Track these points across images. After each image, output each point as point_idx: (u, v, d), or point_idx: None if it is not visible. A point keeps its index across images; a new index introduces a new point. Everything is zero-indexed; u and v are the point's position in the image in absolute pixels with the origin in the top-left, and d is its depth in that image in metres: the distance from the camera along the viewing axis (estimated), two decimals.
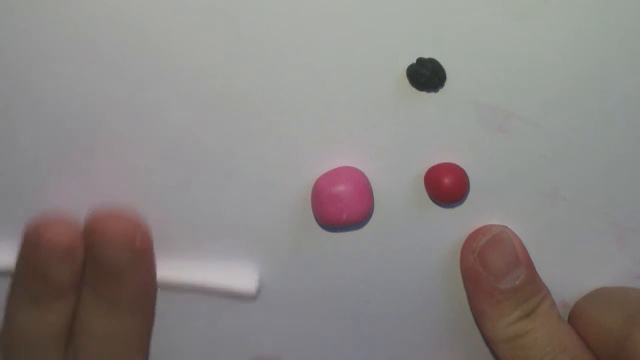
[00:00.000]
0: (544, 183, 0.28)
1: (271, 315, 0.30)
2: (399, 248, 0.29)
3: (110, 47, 0.27)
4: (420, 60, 0.27)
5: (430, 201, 0.28)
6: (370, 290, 0.29)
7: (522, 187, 0.28)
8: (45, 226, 0.26)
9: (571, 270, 0.29)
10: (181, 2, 0.27)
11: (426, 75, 0.27)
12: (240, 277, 0.29)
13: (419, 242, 0.29)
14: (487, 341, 0.28)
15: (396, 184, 0.28)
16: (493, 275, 0.27)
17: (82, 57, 0.27)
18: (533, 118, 0.27)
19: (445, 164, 0.28)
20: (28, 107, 0.28)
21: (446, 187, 0.27)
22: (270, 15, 0.27)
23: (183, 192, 0.29)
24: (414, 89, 0.27)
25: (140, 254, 0.27)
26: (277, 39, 0.27)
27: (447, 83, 0.27)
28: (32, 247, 0.26)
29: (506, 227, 0.28)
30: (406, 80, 0.27)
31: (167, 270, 0.29)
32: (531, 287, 0.27)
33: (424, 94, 0.27)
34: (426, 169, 0.28)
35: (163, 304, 0.29)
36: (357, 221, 0.28)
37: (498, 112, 0.27)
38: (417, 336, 0.30)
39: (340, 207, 0.27)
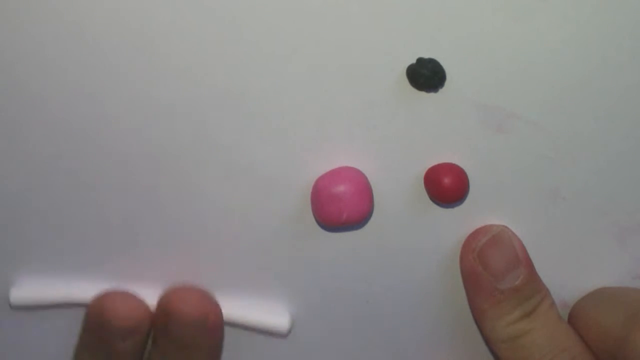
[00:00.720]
0: (544, 183, 0.28)
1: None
2: (399, 248, 0.29)
3: (111, 48, 0.27)
4: (420, 61, 0.27)
5: (430, 201, 0.28)
6: (370, 290, 0.29)
7: (522, 187, 0.28)
8: (112, 303, 0.27)
9: (571, 270, 0.29)
10: (182, 2, 0.27)
11: (426, 76, 0.27)
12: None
13: (418, 242, 0.29)
14: (487, 341, 0.28)
15: (396, 184, 0.28)
16: (493, 275, 0.27)
17: (83, 58, 0.27)
18: (533, 118, 0.27)
19: (445, 164, 0.28)
20: (30, 108, 0.28)
21: (446, 187, 0.27)
22: (270, 16, 0.27)
23: (183, 192, 0.29)
24: (413, 89, 0.27)
25: (211, 332, 0.28)
26: (277, 39, 0.27)
27: (447, 83, 0.27)
28: (97, 323, 0.27)
29: (506, 227, 0.28)
30: (406, 81, 0.27)
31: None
32: (531, 287, 0.27)
33: (423, 94, 0.27)
34: (426, 169, 0.28)
35: None
36: (357, 221, 0.28)
37: (498, 112, 0.27)
38: (417, 336, 0.30)
39: (340, 207, 0.27)
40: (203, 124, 0.28)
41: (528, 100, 0.27)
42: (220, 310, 0.29)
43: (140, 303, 0.28)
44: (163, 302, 0.28)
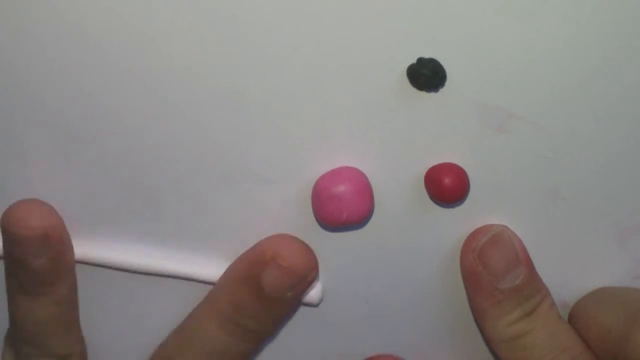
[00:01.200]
0: (545, 183, 0.28)
1: None
2: (399, 248, 0.29)
3: (110, 48, 0.27)
4: (420, 60, 0.27)
5: (431, 201, 0.28)
6: (370, 290, 0.29)
7: (523, 187, 0.28)
8: (17, 216, 0.27)
9: (571, 270, 0.29)
10: (182, 2, 0.27)
11: (426, 75, 0.27)
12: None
13: (419, 242, 0.29)
14: (487, 341, 0.28)
15: (396, 184, 0.28)
16: (493, 275, 0.27)
17: (83, 58, 0.27)
18: (534, 118, 0.27)
19: (446, 164, 0.28)
20: (30, 108, 0.28)
21: (446, 187, 0.27)
22: (270, 15, 0.27)
23: (183, 191, 0.29)
24: (414, 89, 0.27)
25: (302, 292, 0.28)
26: (277, 39, 0.27)
27: (447, 83, 0.27)
28: (9, 239, 0.27)
29: (506, 226, 0.28)
30: (406, 80, 0.27)
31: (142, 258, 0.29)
32: (531, 287, 0.27)
33: (424, 94, 0.27)
34: (426, 169, 0.28)
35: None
36: (357, 221, 0.28)
37: (498, 112, 0.27)
38: (417, 336, 0.30)
39: (340, 207, 0.27)
40: (202, 123, 0.28)
41: (528, 100, 0.27)
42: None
43: (52, 210, 0.27)
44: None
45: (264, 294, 0.27)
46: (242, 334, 0.27)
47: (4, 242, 0.27)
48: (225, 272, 0.28)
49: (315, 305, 0.29)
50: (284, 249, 0.27)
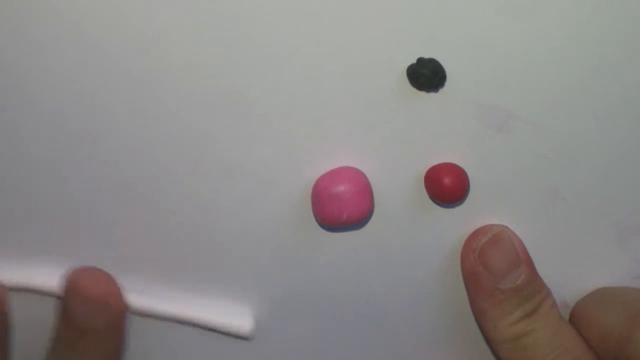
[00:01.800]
0: (545, 183, 0.28)
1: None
2: (399, 248, 0.29)
3: (111, 48, 0.27)
4: (420, 60, 0.27)
5: (431, 201, 0.28)
6: (370, 290, 0.29)
7: (523, 187, 0.28)
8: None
9: (571, 270, 0.29)
10: (182, 2, 0.27)
11: (426, 75, 0.27)
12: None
13: (419, 242, 0.29)
14: (488, 341, 0.28)
15: (396, 184, 0.28)
16: (494, 275, 0.27)
17: (83, 58, 0.27)
18: (533, 118, 0.27)
19: (446, 164, 0.28)
20: (29, 107, 0.28)
21: (446, 187, 0.27)
22: (270, 15, 0.27)
23: (182, 191, 0.29)
24: (414, 89, 0.27)
25: (114, 316, 0.27)
26: (277, 39, 0.27)
27: (447, 83, 0.27)
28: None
29: (506, 226, 0.28)
30: (406, 80, 0.27)
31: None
32: (532, 287, 0.27)
33: (424, 94, 0.27)
34: (426, 169, 0.28)
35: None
36: (357, 221, 0.28)
37: (498, 112, 0.27)
38: (418, 336, 0.30)
39: (341, 207, 0.27)
40: (202, 123, 0.28)
41: (528, 100, 0.27)
42: (121, 292, 0.28)
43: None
44: (64, 283, 0.27)
45: (78, 327, 0.27)
46: None
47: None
48: None
49: (247, 338, 0.29)
50: (82, 279, 0.27)
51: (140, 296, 0.29)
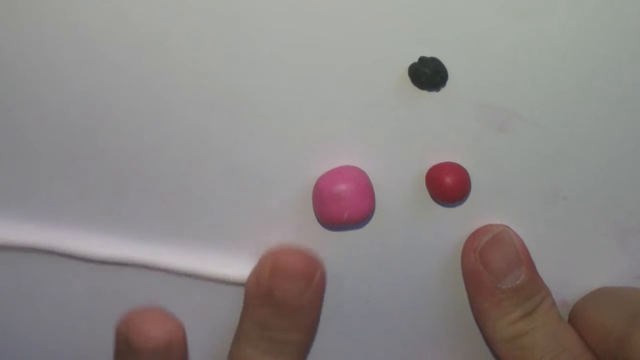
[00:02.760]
0: (545, 183, 0.28)
1: None
2: (400, 247, 0.29)
3: (111, 47, 0.27)
4: (422, 59, 0.27)
5: (432, 200, 0.28)
6: (370, 290, 0.29)
7: (524, 187, 0.28)
8: (137, 322, 0.27)
9: (572, 270, 0.29)
10: (182, 2, 0.27)
11: (428, 75, 0.27)
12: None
13: (419, 242, 0.29)
14: (488, 341, 0.28)
15: (397, 184, 0.28)
16: (494, 275, 0.27)
17: (83, 57, 0.27)
18: (535, 118, 0.27)
19: (447, 163, 0.28)
20: (30, 107, 0.28)
21: (447, 186, 0.27)
22: (270, 15, 0.27)
23: (183, 191, 0.28)
24: (415, 88, 0.27)
25: (316, 293, 0.28)
26: (278, 38, 0.27)
27: (448, 82, 0.27)
28: (123, 344, 0.27)
29: (507, 226, 0.28)
30: (408, 79, 0.27)
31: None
32: (532, 287, 0.27)
33: (425, 93, 0.27)
34: (427, 168, 0.28)
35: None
36: (358, 220, 0.28)
37: (500, 111, 0.27)
38: (418, 336, 0.30)
39: (342, 207, 0.27)
40: (203, 123, 0.28)
41: (530, 100, 0.27)
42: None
43: (170, 319, 0.27)
44: (267, 260, 0.27)
45: (280, 306, 0.27)
46: (279, 349, 0.27)
47: (119, 347, 0.27)
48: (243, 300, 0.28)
49: None
50: (282, 257, 0.27)
51: None
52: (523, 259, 0.27)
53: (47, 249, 0.28)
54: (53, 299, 0.29)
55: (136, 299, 0.29)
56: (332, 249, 0.29)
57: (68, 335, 0.30)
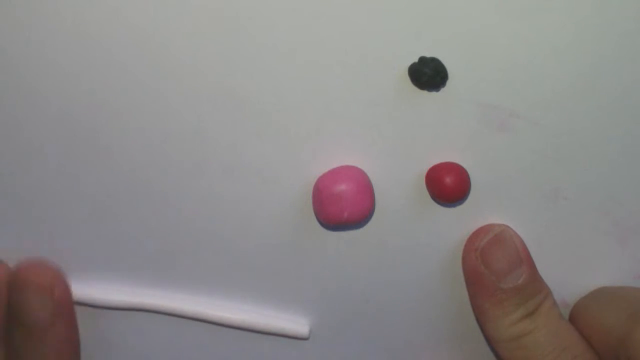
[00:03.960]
0: (546, 183, 0.28)
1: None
2: (400, 247, 0.29)
3: (112, 47, 0.27)
4: (422, 59, 0.27)
5: (432, 200, 0.28)
6: (370, 290, 0.29)
7: (524, 187, 0.28)
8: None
9: (572, 270, 0.29)
10: (183, 2, 0.27)
11: (428, 75, 0.27)
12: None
13: (419, 242, 0.29)
14: (489, 341, 0.28)
15: (397, 183, 0.28)
16: (495, 274, 0.27)
17: (84, 57, 0.27)
18: (535, 117, 0.27)
19: (447, 163, 0.28)
20: (30, 106, 0.28)
21: (447, 186, 0.27)
22: (271, 14, 0.27)
23: (182, 192, 0.28)
24: (415, 88, 0.27)
25: (60, 307, 0.27)
26: (278, 38, 0.27)
27: (448, 82, 0.27)
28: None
29: (507, 226, 0.28)
30: (408, 79, 0.27)
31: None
32: (533, 286, 0.27)
33: (425, 93, 0.27)
34: (427, 168, 0.28)
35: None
36: (358, 220, 0.28)
37: (500, 111, 0.27)
38: (418, 336, 0.30)
39: (341, 206, 0.27)
40: (203, 123, 0.28)
41: (530, 100, 0.27)
42: (67, 285, 0.28)
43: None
44: (11, 273, 0.27)
45: (21, 323, 0.26)
46: None
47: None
48: None
49: (306, 338, 0.29)
50: (21, 269, 0.27)
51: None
52: (524, 258, 0.27)
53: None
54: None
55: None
56: (332, 249, 0.29)
57: None
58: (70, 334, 0.28)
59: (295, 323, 0.29)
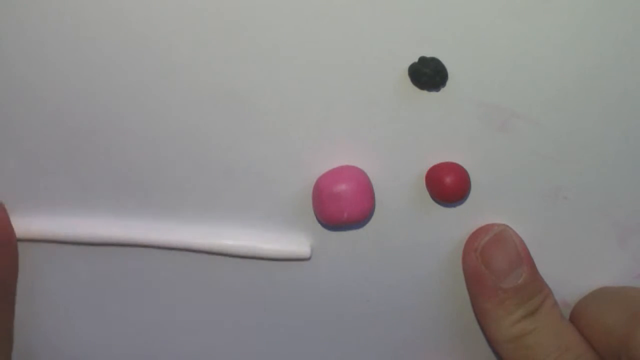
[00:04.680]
0: (546, 183, 0.28)
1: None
2: (400, 247, 0.29)
3: (112, 47, 0.27)
4: (422, 59, 0.27)
5: (432, 200, 0.28)
6: (370, 290, 0.29)
7: (524, 187, 0.28)
8: None
9: (572, 270, 0.29)
10: (182, 2, 0.27)
11: (428, 74, 0.27)
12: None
13: (420, 242, 0.29)
14: (490, 341, 0.28)
15: (397, 183, 0.28)
16: (495, 274, 0.27)
17: (83, 57, 0.27)
18: (535, 117, 0.27)
19: (447, 163, 0.28)
20: (29, 106, 0.28)
21: (447, 186, 0.27)
22: (271, 15, 0.27)
23: (184, 190, 0.28)
24: (415, 88, 0.27)
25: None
26: (278, 38, 0.27)
27: (449, 82, 0.27)
28: None
29: (507, 225, 0.28)
30: (408, 79, 0.27)
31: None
32: (533, 286, 0.27)
33: (425, 93, 0.27)
34: (427, 168, 0.28)
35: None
36: (358, 220, 0.28)
37: (500, 111, 0.27)
38: (418, 336, 0.30)
39: (341, 206, 0.27)
40: (203, 123, 0.28)
41: (530, 100, 0.27)
42: (8, 221, 0.28)
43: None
44: None
45: None
46: None
47: None
48: None
49: (308, 259, 0.29)
50: None
51: None
52: (524, 258, 0.27)
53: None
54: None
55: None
56: (332, 249, 0.29)
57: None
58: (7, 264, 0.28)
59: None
